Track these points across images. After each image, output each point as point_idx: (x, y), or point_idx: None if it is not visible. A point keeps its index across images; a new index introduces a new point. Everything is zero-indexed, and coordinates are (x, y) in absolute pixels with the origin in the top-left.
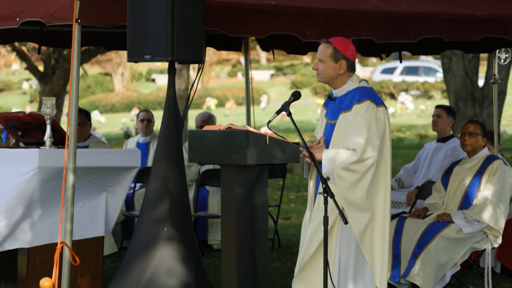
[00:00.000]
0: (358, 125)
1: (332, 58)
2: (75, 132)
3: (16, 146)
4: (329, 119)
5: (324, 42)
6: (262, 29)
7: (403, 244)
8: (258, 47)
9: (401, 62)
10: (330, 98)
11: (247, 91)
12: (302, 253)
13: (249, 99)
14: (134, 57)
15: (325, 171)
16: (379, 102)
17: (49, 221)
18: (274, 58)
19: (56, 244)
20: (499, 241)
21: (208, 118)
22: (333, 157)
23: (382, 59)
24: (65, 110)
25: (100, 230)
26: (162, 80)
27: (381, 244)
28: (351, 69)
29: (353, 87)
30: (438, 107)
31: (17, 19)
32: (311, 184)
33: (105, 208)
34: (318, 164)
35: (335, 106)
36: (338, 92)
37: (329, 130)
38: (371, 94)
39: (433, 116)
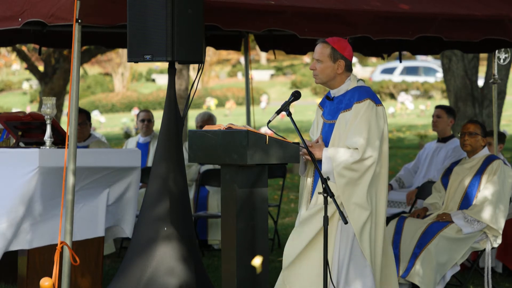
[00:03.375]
0: (359, 124)
1: (330, 58)
2: (75, 132)
3: (16, 146)
4: (327, 119)
5: (322, 42)
6: (258, 24)
7: (403, 244)
8: (258, 47)
9: (400, 61)
10: (328, 98)
11: (247, 91)
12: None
13: (249, 99)
14: (134, 57)
15: (324, 170)
16: (378, 101)
17: (49, 222)
18: (275, 58)
19: (56, 245)
20: (499, 241)
21: (208, 118)
22: (333, 156)
23: (383, 59)
24: (65, 110)
25: (101, 230)
26: (162, 80)
27: (382, 243)
28: (349, 68)
29: (352, 87)
30: (438, 107)
31: (19, 20)
32: (308, 182)
33: (106, 208)
34: (319, 163)
35: (334, 106)
36: (336, 92)
37: (328, 129)
38: (370, 93)
39: (433, 116)
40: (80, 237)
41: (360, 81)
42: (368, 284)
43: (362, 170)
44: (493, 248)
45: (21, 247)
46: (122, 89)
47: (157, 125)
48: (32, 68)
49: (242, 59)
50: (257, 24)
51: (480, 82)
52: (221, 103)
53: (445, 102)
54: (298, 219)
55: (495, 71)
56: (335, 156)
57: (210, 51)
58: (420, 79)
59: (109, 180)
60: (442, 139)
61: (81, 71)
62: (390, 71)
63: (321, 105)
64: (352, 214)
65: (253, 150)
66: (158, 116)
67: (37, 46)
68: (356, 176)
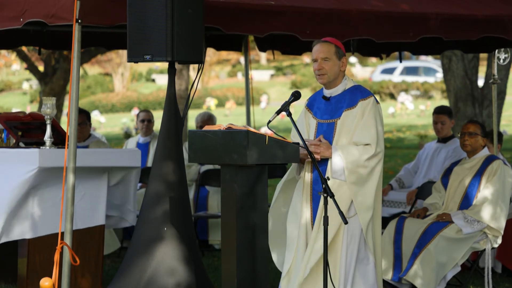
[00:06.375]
0: (367, 121)
1: (337, 56)
2: (75, 132)
3: (16, 146)
4: (323, 119)
5: (323, 42)
6: (261, 27)
7: (403, 244)
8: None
9: (401, 61)
10: (325, 98)
11: (247, 91)
12: (306, 260)
13: (249, 99)
14: (134, 57)
15: (335, 168)
16: (376, 99)
17: (48, 219)
18: (274, 58)
19: (56, 241)
20: (499, 241)
21: (208, 118)
22: (344, 154)
23: (381, 59)
24: (65, 110)
25: (101, 218)
26: (162, 80)
27: (378, 240)
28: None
29: (349, 86)
30: (439, 112)
31: (21, 20)
32: (307, 179)
33: (106, 195)
34: (320, 162)
35: (332, 106)
36: (333, 92)
37: (327, 129)
38: (371, 92)
39: (436, 123)
40: (82, 225)
41: (353, 81)
42: (370, 282)
43: (373, 165)
44: (493, 248)
45: (20, 244)
46: (122, 89)
47: (157, 125)
48: (32, 68)
49: (242, 59)
50: (260, 27)
51: (480, 82)
52: (221, 103)
53: (445, 102)
54: (296, 215)
55: (495, 71)
56: (346, 153)
57: (210, 51)
58: (420, 79)
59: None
60: (442, 139)
61: (81, 71)
62: (390, 71)
63: (309, 107)
64: (361, 210)
65: (253, 150)
66: (158, 116)
67: (37, 47)
68: (367, 172)
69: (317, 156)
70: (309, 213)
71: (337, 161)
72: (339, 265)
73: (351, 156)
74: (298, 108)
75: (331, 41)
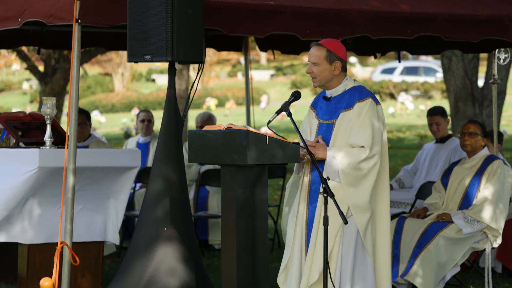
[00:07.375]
0: (363, 123)
1: (327, 60)
2: (75, 132)
3: (16, 146)
4: (323, 119)
5: (316, 45)
6: (261, 28)
7: (403, 244)
8: (258, 47)
9: (399, 61)
10: (325, 98)
11: (247, 91)
12: (308, 265)
13: (249, 99)
14: (134, 57)
15: (330, 170)
16: (377, 100)
17: (48, 219)
18: (274, 58)
19: (55, 243)
20: (499, 241)
21: (208, 118)
22: (338, 156)
23: (375, 57)
24: (65, 110)
25: (100, 235)
26: (162, 80)
27: (384, 241)
28: (344, 69)
29: (349, 87)
30: (432, 114)
31: (19, 20)
32: (305, 180)
33: (108, 214)
34: (319, 162)
35: (331, 106)
36: (334, 92)
37: (326, 129)
38: (370, 93)
39: (430, 125)
40: (79, 239)
41: (355, 81)
42: (369, 284)
43: (368, 168)
44: (493, 248)
45: (20, 241)
46: (122, 89)
47: (157, 125)
48: (32, 68)
49: (242, 59)
50: (260, 28)
51: (480, 82)
52: (221, 103)
53: (445, 102)
54: (295, 214)
55: (495, 71)
56: (341, 156)
57: (210, 51)
58: (420, 79)
59: (111, 184)
60: (441, 140)
61: (81, 71)
62: (390, 71)
63: (313, 106)
64: (356, 213)
65: (253, 150)
66: (158, 116)
67: (36, 47)
68: (361, 174)
69: (307, 157)
70: (305, 213)
71: (332, 163)
72: (335, 267)
73: (346, 158)
74: (298, 108)
75: (324, 45)
